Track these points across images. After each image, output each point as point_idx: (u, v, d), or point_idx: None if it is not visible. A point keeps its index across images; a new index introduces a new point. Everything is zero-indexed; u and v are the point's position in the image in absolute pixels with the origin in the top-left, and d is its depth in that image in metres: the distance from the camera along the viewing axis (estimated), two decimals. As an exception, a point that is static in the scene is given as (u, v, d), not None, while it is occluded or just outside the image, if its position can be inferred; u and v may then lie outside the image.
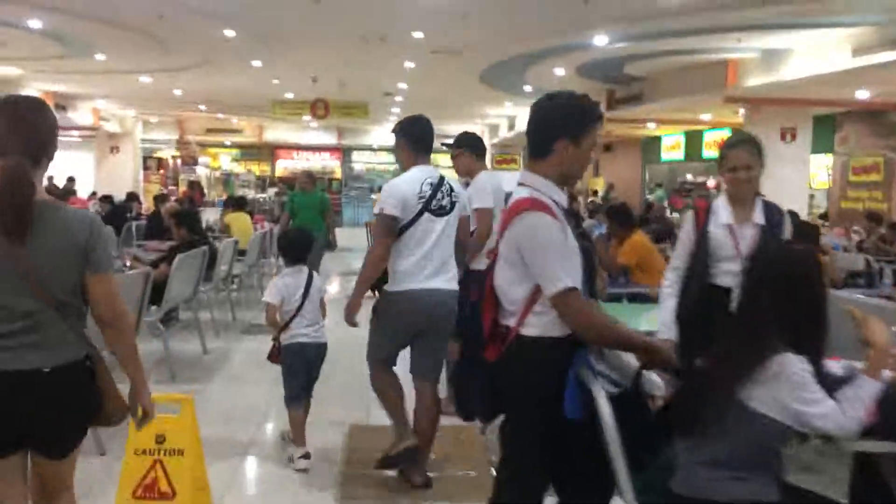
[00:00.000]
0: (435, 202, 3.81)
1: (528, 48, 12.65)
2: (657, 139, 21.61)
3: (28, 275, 2.14)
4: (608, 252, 6.28)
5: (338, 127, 27.62)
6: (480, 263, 4.26)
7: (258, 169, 30.82)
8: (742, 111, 14.50)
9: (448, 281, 3.86)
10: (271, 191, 23.06)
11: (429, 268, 3.77)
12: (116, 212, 12.30)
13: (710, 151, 19.47)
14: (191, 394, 3.63)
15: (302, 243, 4.37)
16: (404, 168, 3.94)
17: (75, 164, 23.88)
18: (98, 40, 12.77)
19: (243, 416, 5.22)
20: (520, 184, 2.61)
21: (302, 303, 4.25)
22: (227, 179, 26.23)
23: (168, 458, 3.27)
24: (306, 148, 31.01)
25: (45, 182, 2.44)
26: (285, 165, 31.78)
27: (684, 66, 13.66)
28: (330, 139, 29.49)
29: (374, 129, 27.54)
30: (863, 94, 12.55)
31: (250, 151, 31.28)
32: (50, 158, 2.31)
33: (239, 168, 29.90)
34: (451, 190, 3.93)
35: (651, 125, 18.64)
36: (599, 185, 24.30)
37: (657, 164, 22.87)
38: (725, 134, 18.55)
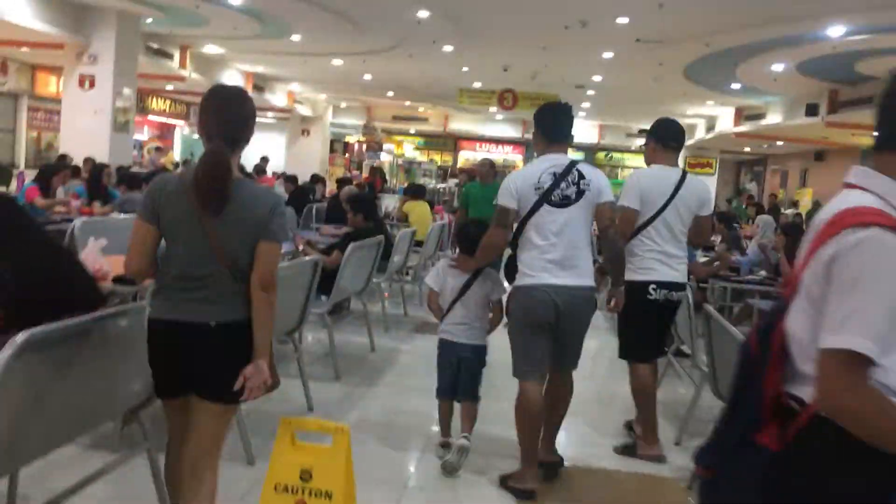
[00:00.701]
0: (557, 192, 3.57)
1: (745, 39, 11.31)
2: (879, 149, 19.21)
3: (216, 243, 2.43)
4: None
5: (523, 120, 26.96)
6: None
7: (440, 158, 30.78)
8: None
9: (576, 276, 3.59)
10: (452, 181, 22.74)
11: (551, 262, 3.56)
12: (300, 193, 12.22)
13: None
14: (345, 424, 3.02)
15: (479, 236, 3.92)
16: (539, 155, 3.76)
17: (269, 144, 24.78)
18: (294, 20, 12.78)
19: (405, 428, 4.61)
20: (849, 185, 1.72)
21: (457, 298, 4.05)
22: (409, 167, 26.24)
23: (313, 499, 2.65)
24: (489, 140, 30.61)
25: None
26: (467, 156, 31.55)
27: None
28: (514, 132, 28.89)
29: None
30: None
31: (434, 141, 31.33)
32: (247, 142, 2.56)
33: (422, 157, 29.96)
34: (581, 177, 3.62)
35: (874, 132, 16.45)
36: (807, 196, 22.07)
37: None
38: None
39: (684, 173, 4.17)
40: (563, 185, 3.58)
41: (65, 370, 2.46)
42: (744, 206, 18.42)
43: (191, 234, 2.45)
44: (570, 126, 3.83)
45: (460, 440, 3.94)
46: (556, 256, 3.56)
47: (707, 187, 4.42)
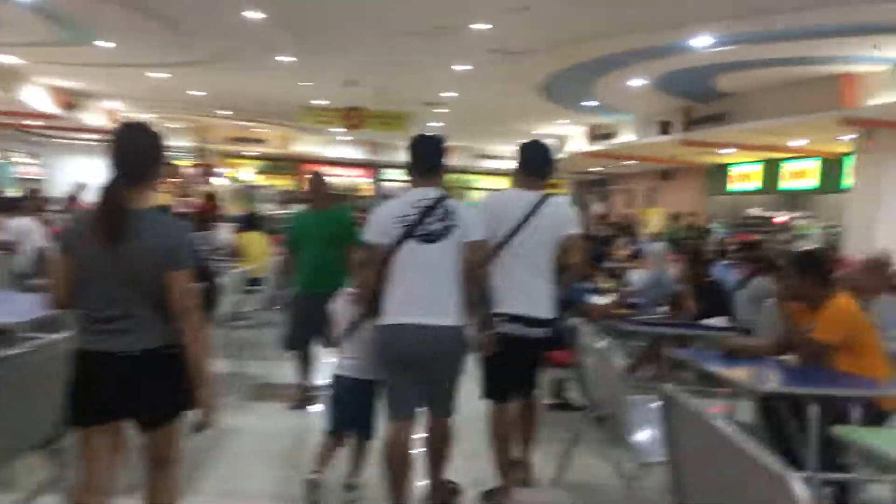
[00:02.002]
0: (422, 227, 3.45)
1: (608, 49, 10.61)
2: (724, 168, 19.37)
3: (123, 271, 2.56)
4: (791, 321, 4.16)
5: (371, 142, 25.74)
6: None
7: (283, 183, 28.92)
8: (851, 137, 12.35)
9: (442, 316, 3.43)
10: (297, 207, 21.11)
11: (416, 300, 3.43)
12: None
13: (788, 183, 17.25)
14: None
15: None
16: (414, 187, 3.61)
17: (88, 168, 22.24)
18: (99, 22, 10.90)
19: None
20: None
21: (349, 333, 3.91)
22: (248, 193, 24.28)
23: None
24: (335, 163, 29.12)
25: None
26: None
27: (787, 80, 11.57)
28: (362, 155, 27.58)
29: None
30: None
31: (275, 165, 29.45)
32: (152, 176, 2.68)
33: (263, 181, 27.98)
34: (449, 213, 3.49)
35: (726, 151, 16.45)
36: (655, 216, 22.12)
37: (722, 196, 20.66)
38: (811, 165, 16.36)
39: (545, 196, 3.91)
40: (428, 220, 3.46)
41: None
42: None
43: (102, 266, 2.56)
44: (440, 157, 3.65)
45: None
46: (421, 295, 3.43)
47: (568, 207, 4.16)
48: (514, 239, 3.81)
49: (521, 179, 4.00)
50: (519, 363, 3.89)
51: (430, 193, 3.52)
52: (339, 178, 29.29)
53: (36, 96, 16.76)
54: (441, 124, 20.14)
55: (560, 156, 21.70)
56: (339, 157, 27.93)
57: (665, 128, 15.16)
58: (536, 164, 4.03)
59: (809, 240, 17.68)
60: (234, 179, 25.87)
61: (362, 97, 16.16)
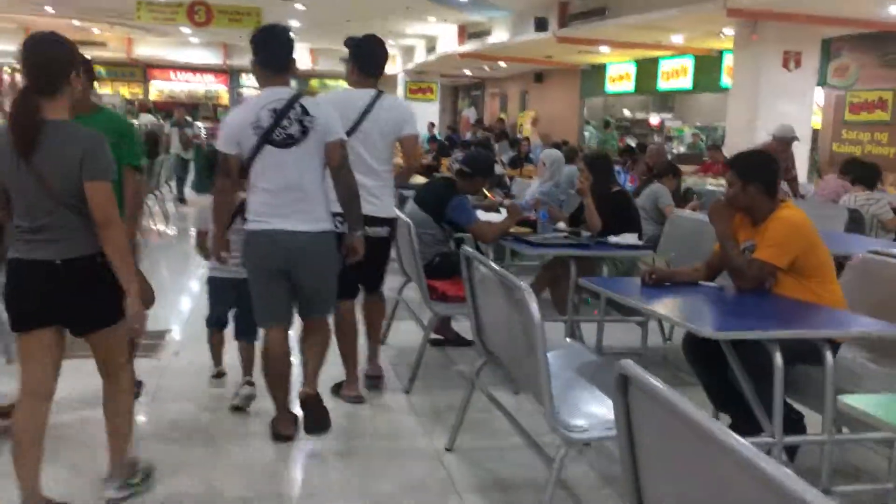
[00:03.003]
0: (278, 132, 3.29)
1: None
2: (601, 68, 18.74)
3: (41, 182, 2.55)
4: (731, 238, 3.38)
5: (224, 44, 23.55)
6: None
7: (128, 91, 26.37)
8: (731, 31, 11.83)
9: (307, 220, 3.36)
10: (145, 118, 19.05)
11: (279, 206, 3.33)
12: None
13: (666, 83, 16.84)
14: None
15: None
16: (260, 88, 3.44)
17: None
18: None
19: None
20: None
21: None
22: (87, 102, 21.84)
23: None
24: (186, 68, 26.73)
25: None
26: (161, 88, 27.47)
27: (670, -31, 10.81)
28: (215, 58, 25.32)
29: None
30: (903, 10, 10.06)
31: (118, 71, 26.74)
32: (64, 85, 2.60)
33: (104, 89, 25.31)
34: (305, 113, 3.33)
35: (603, 49, 15.73)
36: (528, 119, 21.46)
37: (599, 98, 20.14)
38: (687, 63, 15.94)
39: (378, 94, 3.90)
40: (284, 122, 3.33)
41: None
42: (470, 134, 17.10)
43: (21, 179, 2.56)
44: (289, 53, 3.48)
45: (245, 388, 3.88)
46: (284, 200, 3.34)
47: (405, 106, 4.20)
48: (350, 139, 3.65)
49: (355, 78, 3.95)
50: (363, 262, 3.66)
51: (282, 94, 3.36)
52: (191, 84, 27.10)
53: None
54: (298, 24, 18.43)
55: (430, 58, 20.49)
56: (190, 61, 25.59)
57: (542, 24, 14.24)
58: (371, 60, 3.94)
59: (681, 142, 17.57)
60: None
61: (208, -11, 14.37)
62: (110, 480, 2.86)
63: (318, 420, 3.58)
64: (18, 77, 20.55)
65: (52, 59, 2.59)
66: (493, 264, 2.92)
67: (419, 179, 10.16)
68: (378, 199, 3.86)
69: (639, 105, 20.08)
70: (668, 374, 4.46)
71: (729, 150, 11.30)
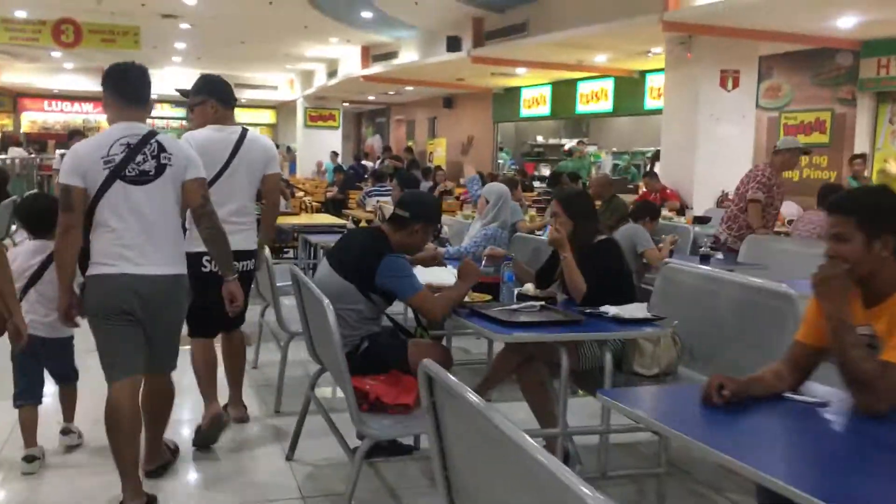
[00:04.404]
0: (132, 167, 3.08)
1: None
2: (515, 91, 17.72)
3: None
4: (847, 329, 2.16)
5: (103, 68, 21.49)
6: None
7: (-2, 123, 23.82)
8: (660, 50, 10.96)
9: (161, 263, 3.14)
10: (14, 151, 16.86)
11: (129, 248, 3.08)
12: None
13: (585, 106, 15.93)
14: None
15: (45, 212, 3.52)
16: (109, 124, 3.23)
17: None
18: None
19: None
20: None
21: (29, 283, 3.53)
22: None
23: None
24: (60, 97, 24.39)
25: None
26: (34, 118, 25.01)
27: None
28: (93, 85, 23.13)
29: (152, 73, 21.54)
30: (847, 22, 9.32)
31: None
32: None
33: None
34: (161, 150, 3.14)
35: (520, 70, 14.66)
36: (440, 147, 20.29)
37: (512, 122, 19.13)
38: (606, 85, 15.08)
39: (244, 131, 3.95)
40: (139, 158, 3.10)
41: None
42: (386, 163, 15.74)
43: None
44: (147, 88, 3.25)
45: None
46: (135, 241, 3.10)
47: (269, 143, 4.19)
48: (221, 178, 3.79)
49: (222, 115, 3.97)
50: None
51: (137, 129, 3.15)
52: (70, 114, 24.81)
53: None
54: (184, 45, 16.75)
55: (332, 82, 19.09)
56: (67, 89, 23.30)
57: (454, 44, 13.10)
58: (231, 97, 4.05)
59: (602, 167, 16.66)
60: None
61: (77, 8, 12.55)
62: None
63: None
64: None
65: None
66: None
67: (323, 219, 8.77)
68: (242, 232, 3.87)
69: (552, 131, 19.22)
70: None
71: (665, 176, 10.37)
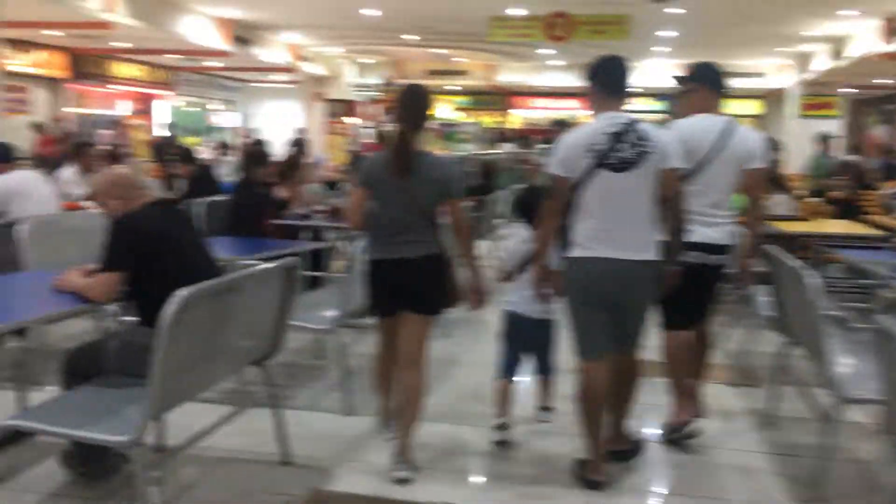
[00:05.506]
0: (614, 155, 3.23)
1: None
2: None
3: (412, 198, 3.34)
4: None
5: (581, 66, 21.62)
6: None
7: (490, 120, 25.65)
8: None
9: (636, 250, 3.28)
10: (506, 146, 17.81)
11: (608, 233, 3.28)
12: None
13: None
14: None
15: (532, 203, 3.80)
16: (594, 114, 3.42)
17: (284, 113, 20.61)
18: None
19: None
20: None
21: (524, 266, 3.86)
22: (448, 132, 21.25)
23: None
24: (544, 94, 25.41)
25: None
26: (523, 115, 26.48)
27: None
28: (574, 81, 23.55)
29: (634, 65, 20.96)
30: None
31: (481, 99, 26.30)
32: (426, 124, 3.43)
33: (465, 118, 24.77)
34: (642, 138, 3.25)
35: None
36: None
37: None
38: None
39: (731, 121, 3.81)
40: (621, 146, 3.26)
41: (209, 324, 2.88)
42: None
43: (393, 193, 3.34)
44: (626, 77, 3.44)
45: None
46: (613, 226, 3.29)
47: (757, 137, 3.97)
48: (704, 169, 3.70)
49: (708, 102, 3.86)
50: (697, 291, 3.73)
51: (619, 118, 3.31)
52: (551, 110, 25.69)
53: (197, 27, 14.68)
54: (675, 34, 15.80)
55: (838, 63, 16.48)
56: (550, 86, 24.18)
57: None
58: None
59: None
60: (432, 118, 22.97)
61: (568, 1, 12.42)
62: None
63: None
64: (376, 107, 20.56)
65: (424, 104, 3.46)
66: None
67: (840, 227, 6.96)
68: (720, 227, 3.77)
69: None
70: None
71: None
